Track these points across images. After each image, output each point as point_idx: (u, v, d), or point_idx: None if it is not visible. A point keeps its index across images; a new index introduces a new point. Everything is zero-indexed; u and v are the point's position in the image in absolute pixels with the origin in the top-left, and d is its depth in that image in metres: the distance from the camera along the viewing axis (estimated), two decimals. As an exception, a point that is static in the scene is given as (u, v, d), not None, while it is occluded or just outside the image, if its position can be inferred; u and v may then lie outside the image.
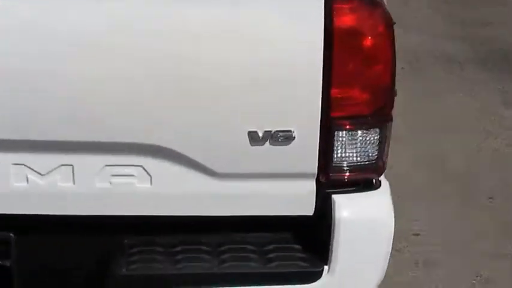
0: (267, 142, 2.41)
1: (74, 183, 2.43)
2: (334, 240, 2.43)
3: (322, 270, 2.45)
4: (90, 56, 2.28)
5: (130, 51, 2.28)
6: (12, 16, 2.26)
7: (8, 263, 2.54)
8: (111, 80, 2.32)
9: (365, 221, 2.47)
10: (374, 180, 2.52)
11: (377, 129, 2.47)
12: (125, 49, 2.28)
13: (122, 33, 2.29)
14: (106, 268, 2.47)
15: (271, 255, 2.49)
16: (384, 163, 2.52)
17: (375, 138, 2.47)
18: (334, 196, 2.45)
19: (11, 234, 2.52)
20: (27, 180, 2.42)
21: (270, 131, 2.39)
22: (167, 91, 2.34)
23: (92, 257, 2.54)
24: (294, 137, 2.40)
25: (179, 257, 2.47)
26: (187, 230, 2.55)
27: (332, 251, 2.44)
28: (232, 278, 2.42)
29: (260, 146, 2.40)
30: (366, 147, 2.47)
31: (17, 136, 2.37)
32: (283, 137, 2.40)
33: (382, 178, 2.55)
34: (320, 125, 2.38)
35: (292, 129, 2.39)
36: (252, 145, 2.40)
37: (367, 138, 2.47)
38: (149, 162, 2.42)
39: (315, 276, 2.44)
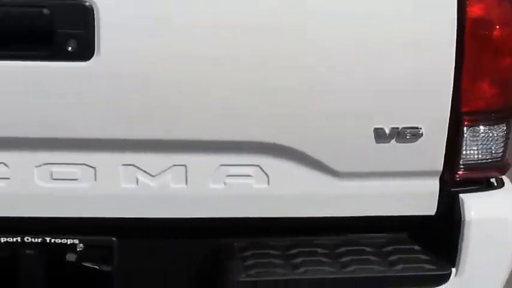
0: (393, 139, 2.28)
1: (186, 185, 2.29)
2: (463, 241, 2.31)
3: (450, 272, 2.35)
4: (213, 55, 2.16)
5: (261, 49, 2.15)
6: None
7: (109, 268, 2.43)
8: (232, 78, 2.19)
9: (493, 220, 2.34)
10: (497, 179, 2.43)
11: (503, 125, 2.35)
12: (254, 47, 2.16)
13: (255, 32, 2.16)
14: (218, 273, 2.35)
15: (392, 258, 2.37)
16: (507, 160, 2.42)
17: (501, 134, 2.34)
18: (461, 195, 2.32)
19: (114, 239, 2.40)
20: (137, 182, 2.28)
21: (397, 128, 2.25)
22: (290, 88, 2.21)
23: (198, 262, 2.42)
24: (422, 134, 2.26)
25: (297, 260, 2.34)
26: (300, 232, 2.43)
27: (460, 252, 2.32)
28: (358, 282, 2.31)
29: (385, 144, 2.27)
30: (491, 144, 2.34)
31: (128, 136, 2.23)
32: (411, 134, 2.26)
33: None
34: (449, 121, 2.28)
35: (420, 125, 2.26)
36: (377, 143, 2.27)
37: (494, 134, 2.34)
38: (267, 162, 2.28)
39: (443, 279, 2.32)
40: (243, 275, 2.29)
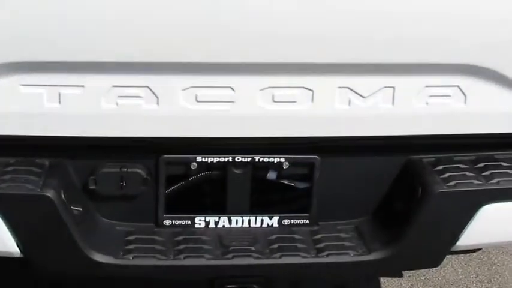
0: None
1: (393, 105, 2.46)
2: None
3: None
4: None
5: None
6: None
7: (309, 185, 2.61)
8: (442, 5, 2.35)
9: None
10: None
11: None
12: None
13: None
14: (414, 186, 2.55)
15: None
16: None
17: None
18: None
19: (317, 157, 2.57)
20: (349, 103, 2.45)
21: None
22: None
23: (392, 177, 2.62)
24: None
25: (487, 173, 2.56)
26: (483, 148, 2.64)
27: None
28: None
29: None
30: None
31: (345, 60, 2.39)
32: None
33: None
34: None
35: None
36: None
37: None
38: (465, 82, 2.47)
39: None
40: (444, 186, 2.51)
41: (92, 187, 2.51)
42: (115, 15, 2.25)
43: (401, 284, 3.75)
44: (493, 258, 4.01)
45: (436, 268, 3.57)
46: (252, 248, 2.51)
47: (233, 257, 2.47)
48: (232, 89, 2.40)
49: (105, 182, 2.49)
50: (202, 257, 2.46)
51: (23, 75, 2.32)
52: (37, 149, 2.47)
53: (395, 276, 3.74)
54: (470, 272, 3.89)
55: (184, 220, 2.60)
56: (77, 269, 2.45)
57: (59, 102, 2.35)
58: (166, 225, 2.59)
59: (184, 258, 2.45)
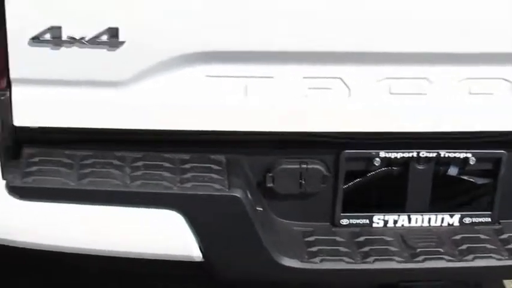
0: None
1: None
2: None
3: None
4: None
5: None
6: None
7: (492, 181, 2.46)
8: None
9: None
10: None
11: None
12: None
13: None
14: None
15: None
16: None
17: None
18: None
19: (504, 151, 2.42)
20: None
21: None
22: None
23: None
24: None
25: None
26: None
27: None
28: None
29: None
30: None
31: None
32: None
33: None
34: None
35: None
36: None
37: None
38: None
39: None
40: None
41: (270, 185, 2.35)
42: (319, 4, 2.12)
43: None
44: None
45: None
46: (441, 250, 2.35)
47: (424, 259, 2.31)
48: (428, 80, 2.27)
49: (283, 179, 2.33)
50: (392, 260, 2.30)
51: (209, 65, 2.18)
52: (213, 145, 2.34)
53: None
54: None
55: (362, 219, 2.43)
56: (263, 274, 2.29)
57: (246, 94, 2.21)
58: (343, 225, 2.42)
59: (373, 261, 2.30)
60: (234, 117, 2.23)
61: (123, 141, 2.29)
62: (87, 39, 2.11)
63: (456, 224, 2.48)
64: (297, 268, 2.26)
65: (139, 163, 2.26)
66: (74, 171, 2.21)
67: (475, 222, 2.48)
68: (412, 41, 2.20)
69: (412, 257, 2.33)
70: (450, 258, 2.33)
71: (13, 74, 2.16)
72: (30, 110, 2.21)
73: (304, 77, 2.20)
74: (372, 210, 2.46)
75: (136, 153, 2.30)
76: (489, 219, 2.49)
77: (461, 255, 2.35)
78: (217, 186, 2.19)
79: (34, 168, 2.21)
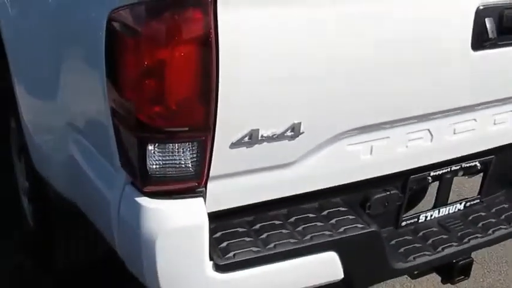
0: None
1: None
2: None
3: None
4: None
5: None
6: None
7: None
8: None
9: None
10: None
11: None
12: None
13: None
14: None
15: None
16: None
17: None
18: None
19: None
20: None
21: None
22: None
23: None
24: None
25: None
26: None
27: None
28: None
29: None
30: None
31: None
32: None
33: None
34: None
35: None
36: None
37: None
38: None
39: None
40: None
41: (368, 211, 2.95)
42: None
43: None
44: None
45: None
46: (471, 230, 3.16)
47: (469, 240, 3.08)
48: (476, 120, 3.05)
49: (376, 205, 2.99)
50: (451, 245, 3.04)
51: (350, 137, 2.75)
52: (333, 192, 2.89)
53: None
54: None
55: (413, 219, 3.20)
56: (382, 279, 2.95)
57: (371, 153, 2.83)
58: (403, 226, 3.15)
59: (443, 249, 3.00)
60: (363, 170, 2.85)
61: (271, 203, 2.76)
62: (276, 135, 2.51)
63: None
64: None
65: (292, 219, 2.78)
66: (255, 239, 2.65)
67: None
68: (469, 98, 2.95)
69: (460, 239, 3.13)
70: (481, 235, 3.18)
71: (212, 173, 2.48)
72: (220, 198, 2.57)
73: (406, 133, 2.89)
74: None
75: (282, 210, 2.80)
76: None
77: (486, 231, 3.21)
78: (359, 225, 2.81)
79: (224, 244, 2.61)
